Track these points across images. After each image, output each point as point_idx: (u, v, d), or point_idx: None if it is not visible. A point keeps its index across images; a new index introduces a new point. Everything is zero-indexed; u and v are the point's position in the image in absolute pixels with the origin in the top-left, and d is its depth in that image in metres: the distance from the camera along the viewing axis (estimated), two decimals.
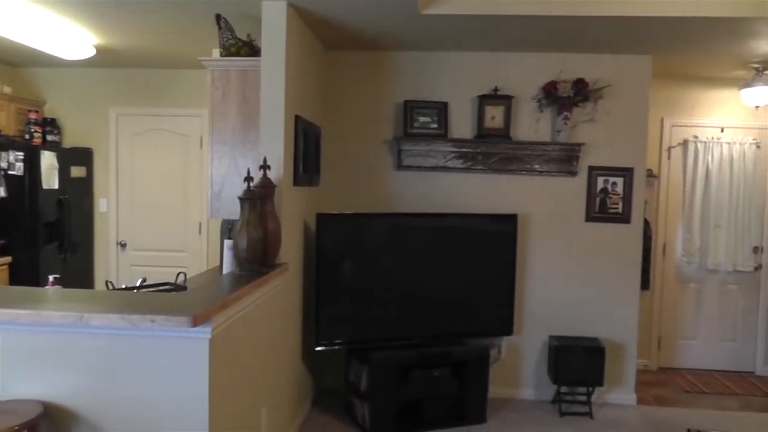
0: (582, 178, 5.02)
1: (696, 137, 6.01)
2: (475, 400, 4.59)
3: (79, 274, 5.95)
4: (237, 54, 3.94)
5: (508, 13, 3.95)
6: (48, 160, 5.53)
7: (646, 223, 5.68)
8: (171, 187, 6.12)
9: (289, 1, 3.76)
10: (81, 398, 2.50)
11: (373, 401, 4.29)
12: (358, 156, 5.07)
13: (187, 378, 2.50)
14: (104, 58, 5.47)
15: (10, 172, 5.33)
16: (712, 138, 5.99)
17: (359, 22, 4.23)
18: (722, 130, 6.01)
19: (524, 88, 4.96)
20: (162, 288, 3.59)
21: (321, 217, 4.42)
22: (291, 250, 4.05)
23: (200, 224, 6.12)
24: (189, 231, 6.15)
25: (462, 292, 4.78)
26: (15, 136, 5.64)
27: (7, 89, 5.67)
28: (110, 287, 3.63)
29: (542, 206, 5.04)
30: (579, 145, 4.92)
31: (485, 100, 4.90)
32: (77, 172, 5.95)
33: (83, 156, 6.09)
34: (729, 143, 5.99)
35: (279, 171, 3.75)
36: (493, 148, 4.92)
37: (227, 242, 3.69)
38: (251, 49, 3.96)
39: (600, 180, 5.00)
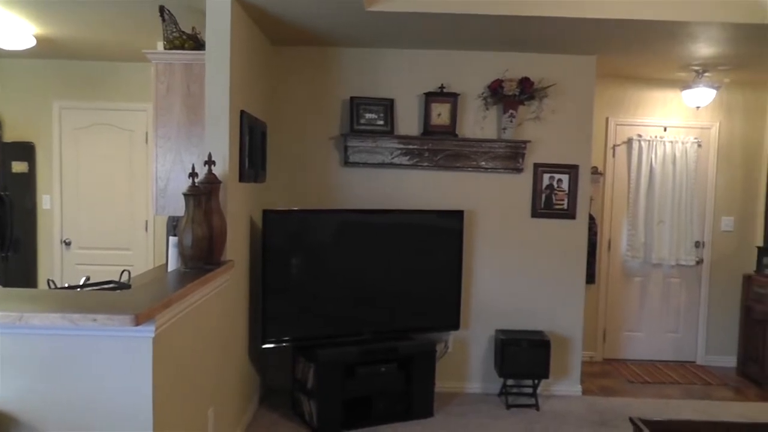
0: (528, 175, 5.20)
1: (640, 136, 6.29)
2: (422, 395, 4.70)
3: (20, 273, 5.89)
4: (181, 47, 3.93)
5: (452, 11, 4.07)
6: None
7: (592, 218, 5.92)
8: (116, 183, 6.08)
9: None
10: (21, 401, 2.45)
11: (319, 398, 4.36)
12: (305, 152, 5.12)
13: (131, 379, 2.49)
14: (45, 49, 5.40)
15: None
16: (656, 137, 6.29)
17: (305, 18, 4.29)
18: (665, 130, 6.30)
19: (470, 86, 5.10)
20: (105, 287, 3.50)
21: (267, 214, 4.46)
22: (237, 247, 4.07)
23: (147, 222, 6.10)
24: (135, 229, 6.12)
25: (409, 288, 4.89)
26: None
27: None
28: (52, 286, 3.60)
29: (489, 202, 5.20)
30: (525, 142, 5.10)
31: (431, 97, 5.02)
32: (18, 167, 5.90)
33: (25, 151, 5.99)
34: (672, 142, 6.29)
35: (224, 167, 3.78)
36: (440, 145, 5.04)
37: (172, 239, 3.66)
38: (196, 43, 3.97)
39: (546, 177, 5.20)
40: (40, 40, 5.05)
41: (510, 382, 5.15)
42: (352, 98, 5.01)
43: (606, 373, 6.05)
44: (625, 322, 6.47)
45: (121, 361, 2.49)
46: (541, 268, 5.28)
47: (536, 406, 5.00)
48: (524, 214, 5.24)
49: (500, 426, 4.63)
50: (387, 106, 5.02)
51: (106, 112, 6.06)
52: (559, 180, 5.20)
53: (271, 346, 4.55)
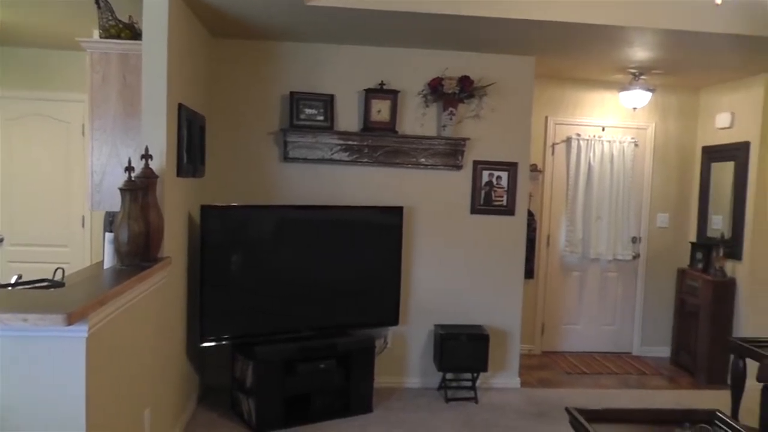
0: (467, 172, 5.36)
1: (579, 135, 6.54)
2: (361, 391, 4.78)
3: None
4: (117, 36, 3.85)
5: (391, 9, 4.14)
6: None
7: (531, 215, 6.14)
8: (52, 177, 5.91)
9: None
10: None
11: (258, 396, 4.38)
12: (245, 147, 5.12)
13: (63, 380, 2.46)
14: None
15: None
16: (594, 136, 6.56)
17: (244, 11, 4.30)
18: (603, 129, 6.59)
19: (411, 83, 5.21)
20: (38, 285, 3.37)
21: (206, 209, 4.44)
22: (175, 243, 4.06)
23: (83, 217, 5.97)
24: (72, 225, 5.99)
25: (349, 284, 4.95)
26: None
27: None
28: None
29: (428, 199, 5.32)
30: (464, 140, 5.24)
31: (372, 93, 5.11)
32: None
33: None
34: (609, 141, 6.57)
35: (162, 161, 3.75)
36: (380, 142, 5.13)
37: (108, 236, 3.60)
38: (132, 32, 3.90)
39: (485, 174, 5.36)
40: None
41: (449, 376, 5.30)
42: (292, 93, 5.04)
43: (544, 366, 6.30)
44: (563, 315, 6.74)
45: (53, 363, 2.46)
46: (480, 264, 5.44)
47: (475, 399, 5.16)
48: (464, 210, 5.38)
49: (439, 419, 4.76)
50: (327, 102, 5.07)
51: (41, 102, 5.89)
52: (498, 177, 5.37)
53: (210, 344, 4.52)
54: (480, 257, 5.43)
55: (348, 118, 5.18)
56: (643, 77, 5.89)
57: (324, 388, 4.67)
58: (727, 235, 6.11)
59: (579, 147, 6.53)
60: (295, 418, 4.53)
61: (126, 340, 3.10)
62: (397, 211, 5.07)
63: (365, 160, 5.16)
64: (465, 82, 5.09)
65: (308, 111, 5.05)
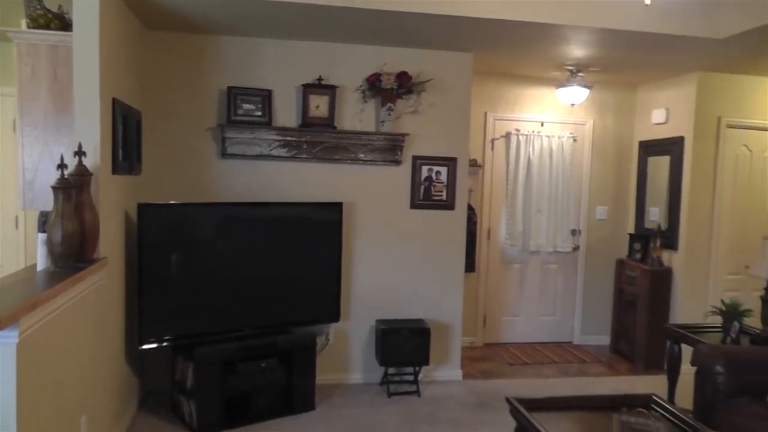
0: (407, 167, 5.45)
1: (518, 130, 6.72)
2: (303, 389, 4.83)
3: None
4: (47, 27, 3.70)
5: (326, 3, 4.16)
6: None
7: (471, 209, 6.29)
8: None
9: None
10: None
11: (199, 398, 4.36)
12: (182, 143, 5.07)
13: None
14: None
15: None
16: (533, 131, 6.75)
17: (176, 2, 4.24)
18: (542, 125, 6.78)
19: (349, 78, 5.26)
20: None
21: (143, 208, 4.38)
22: (111, 243, 3.99)
23: (17, 217, 5.79)
24: (5, 225, 5.79)
25: (289, 281, 4.96)
26: None
27: None
28: None
29: (368, 194, 5.40)
30: (403, 135, 5.33)
31: (310, 89, 5.13)
32: None
33: None
34: (548, 136, 6.77)
35: (96, 158, 3.68)
36: (318, 137, 5.17)
37: (41, 236, 3.47)
38: (63, 23, 3.75)
39: (424, 169, 5.47)
40: None
41: (391, 370, 5.40)
42: (229, 88, 5.03)
43: (486, 357, 6.47)
44: (504, 307, 6.93)
45: None
46: (421, 258, 5.55)
47: (417, 393, 5.27)
48: (403, 205, 5.48)
49: (382, 414, 4.85)
50: (265, 97, 5.08)
51: None
52: (438, 172, 5.49)
53: (150, 346, 4.47)
54: (420, 252, 5.54)
55: (286, 114, 5.19)
56: (580, 74, 6.09)
57: (266, 387, 4.68)
58: (664, 226, 6.38)
59: (518, 142, 6.70)
60: (237, 419, 4.54)
61: (61, 345, 3.05)
62: (336, 207, 5.12)
63: (304, 156, 5.19)
64: (403, 77, 5.16)
65: (246, 106, 5.05)
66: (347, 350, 5.48)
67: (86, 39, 3.67)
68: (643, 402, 3.70)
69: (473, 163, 6.32)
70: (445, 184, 5.51)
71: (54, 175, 3.32)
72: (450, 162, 5.51)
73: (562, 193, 6.82)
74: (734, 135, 6.16)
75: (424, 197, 5.49)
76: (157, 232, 4.48)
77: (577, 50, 5.32)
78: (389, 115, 5.22)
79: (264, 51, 5.15)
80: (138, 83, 4.80)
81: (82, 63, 3.67)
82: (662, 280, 6.27)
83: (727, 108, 6.09)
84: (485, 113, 6.64)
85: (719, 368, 4.06)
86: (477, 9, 4.36)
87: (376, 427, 4.62)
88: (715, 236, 6.18)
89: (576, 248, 6.99)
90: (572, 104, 6.37)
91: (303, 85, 5.15)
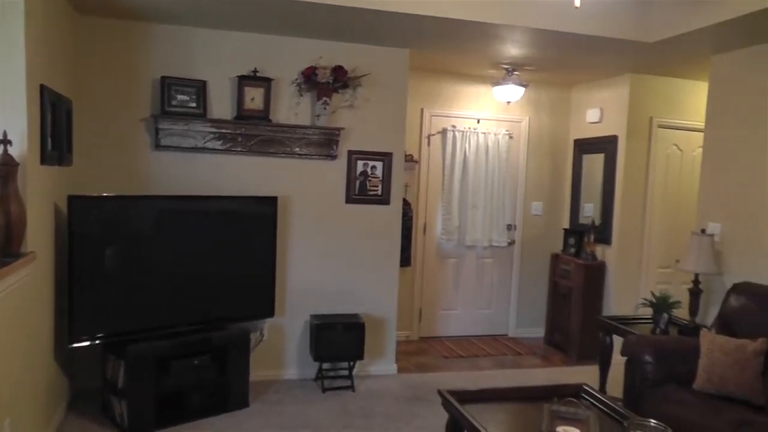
0: (342, 162, 5.38)
1: (454, 127, 6.71)
2: (237, 386, 4.72)
3: None
4: None
5: None
6: None
7: (407, 204, 6.26)
8: None
9: None
10: None
11: (130, 397, 4.22)
12: (115, 134, 4.87)
13: None
14: None
15: None
16: (469, 128, 6.75)
17: None
18: (479, 122, 6.80)
19: (285, 71, 5.15)
20: None
21: (73, 200, 4.16)
22: (39, 236, 3.82)
23: None
24: None
25: (224, 276, 4.85)
26: None
27: None
28: None
29: (303, 189, 5.31)
30: (338, 129, 5.25)
31: (245, 81, 5.01)
32: None
33: None
34: (485, 133, 6.78)
35: (23, 147, 3.49)
36: (253, 130, 5.04)
37: None
38: None
39: (360, 164, 5.41)
40: None
41: (326, 365, 5.36)
42: (163, 78, 4.86)
43: (422, 351, 6.46)
44: (440, 301, 6.93)
45: None
46: (356, 253, 5.50)
47: (352, 388, 5.22)
48: (339, 200, 5.41)
49: (316, 410, 4.78)
50: (200, 88, 4.93)
51: None
52: (373, 167, 5.44)
53: (81, 344, 4.24)
54: (356, 246, 5.49)
55: (221, 106, 5.06)
56: (516, 73, 6.11)
57: (199, 385, 4.57)
58: (598, 221, 6.48)
59: (455, 138, 6.70)
60: (169, 418, 4.40)
61: None
62: (271, 201, 5.02)
63: (239, 149, 5.07)
64: (339, 71, 5.09)
65: (180, 97, 4.89)
66: (282, 346, 5.39)
67: (12, 22, 3.44)
68: (574, 392, 3.74)
69: (409, 159, 6.31)
70: (381, 179, 5.47)
71: None
72: (385, 157, 5.46)
73: (497, 188, 6.85)
74: (665, 135, 6.28)
75: (359, 192, 5.43)
76: (89, 226, 4.28)
77: (512, 49, 5.33)
78: (325, 109, 5.13)
79: (199, 41, 4.99)
80: (69, 70, 4.58)
81: (6, 47, 3.44)
82: (596, 273, 6.37)
83: (658, 109, 6.22)
84: (422, 109, 6.61)
85: (648, 358, 4.18)
86: (413, 6, 4.33)
87: (310, 423, 4.55)
88: (647, 231, 6.30)
89: (511, 243, 7.02)
90: (508, 102, 6.39)
91: (238, 76, 5.01)
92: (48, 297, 4.15)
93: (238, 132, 5.03)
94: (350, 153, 5.38)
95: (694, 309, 4.95)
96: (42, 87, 3.80)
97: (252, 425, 4.47)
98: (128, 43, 4.88)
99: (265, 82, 5.04)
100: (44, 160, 3.88)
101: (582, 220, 6.76)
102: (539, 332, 7.10)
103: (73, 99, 4.61)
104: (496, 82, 6.23)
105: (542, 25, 4.57)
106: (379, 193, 5.48)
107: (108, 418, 4.46)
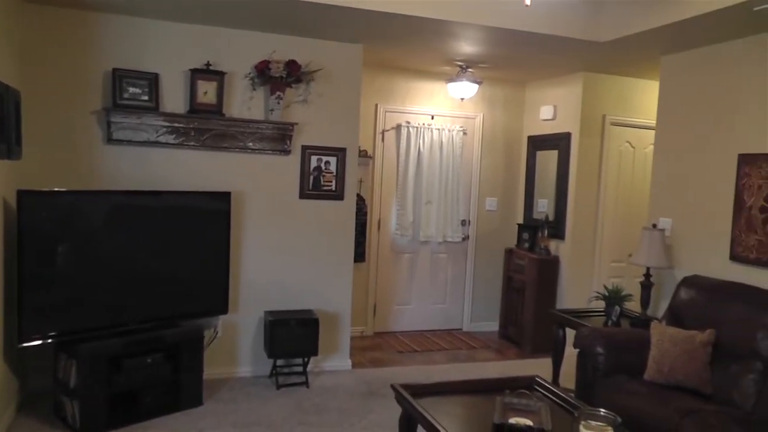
0: (296, 157, 5.32)
1: (408, 123, 6.71)
2: (190, 384, 4.63)
3: None
4: None
5: None
6: None
7: (362, 199, 6.24)
8: None
9: None
10: None
11: (82, 397, 4.10)
12: (66, 127, 4.70)
13: None
14: None
15: None
16: (424, 124, 6.76)
17: None
18: (432, 118, 6.81)
19: (238, 65, 5.07)
20: None
21: (23, 195, 4.01)
22: None
23: None
24: None
25: (177, 273, 4.76)
26: None
27: None
28: None
29: (256, 184, 5.23)
30: (292, 124, 5.19)
31: (197, 74, 4.91)
32: None
33: None
34: (439, 129, 6.80)
35: None
36: (206, 124, 4.95)
37: None
38: None
39: (313, 159, 5.36)
40: None
41: (280, 362, 5.30)
42: (114, 70, 4.71)
43: (376, 346, 6.45)
44: (395, 296, 6.93)
45: None
46: (310, 249, 5.45)
47: (306, 384, 5.18)
48: (292, 195, 5.35)
49: (270, 407, 4.73)
50: (152, 81, 4.81)
51: None
52: (327, 162, 5.39)
53: (30, 344, 4.08)
54: (310, 242, 5.44)
55: (174, 99, 4.94)
56: (470, 70, 6.12)
57: (152, 384, 4.46)
58: (552, 217, 6.55)
59: (409, 134, 6.69)
60: (122, 418, 4.30)
61: None
62: (224, 197, 4.93)
63: (192, 143, 4.96)
64: (292, 66, 5.03)
65: (132, 90, 4.76)
66: (236, 343, 5.31)
67: None
68: (527, 383, 3.79)
69: (363, 154, 6.29)
70: (335, 174, 5.43)
71: None
72: (339, 152, 5.43)
73: (452, 184, 6.87)
74: (618, 132, 6.37)
75: (313, 187, 5.38)
76: (39, 221, 4.13)
77: (466, 46, 5.34)
78: (278, 103, 5.07)
79: (151, 33, 4.86)
80: (16, 61, 4.41)
81: None
82: (549, 268, 6.45)
83: (611, 107, 6.31)
84: (376, 105, 6.58)
85: (599, 349, 4.25)
86: (365, 1, 4.28)
87: (264, 420, 4.50)
88: (600, 226, 6.40)
89: (466, 238, 7.05)
90: (462, 99, 6.39)
91: (191, 69, 4.91)
92: None
93: (191, 126, 4.93)
94: (304, 148, 5.32)
95: (645, 302, 5.03)
96: None
97: (206, 424, 4.39)
98: (78, 33, 4.72)
99: (218, 76, 4.95)
100: None
101: (536, 216, 6.83)
102: (493, 326, 7.14)
103: (22, 91, 4.39)
104: (450, 79, 6.23)
105: (495, 23, 4.59)
106: (333, 188, 5.43)
107: (60, 419, 4.32)
